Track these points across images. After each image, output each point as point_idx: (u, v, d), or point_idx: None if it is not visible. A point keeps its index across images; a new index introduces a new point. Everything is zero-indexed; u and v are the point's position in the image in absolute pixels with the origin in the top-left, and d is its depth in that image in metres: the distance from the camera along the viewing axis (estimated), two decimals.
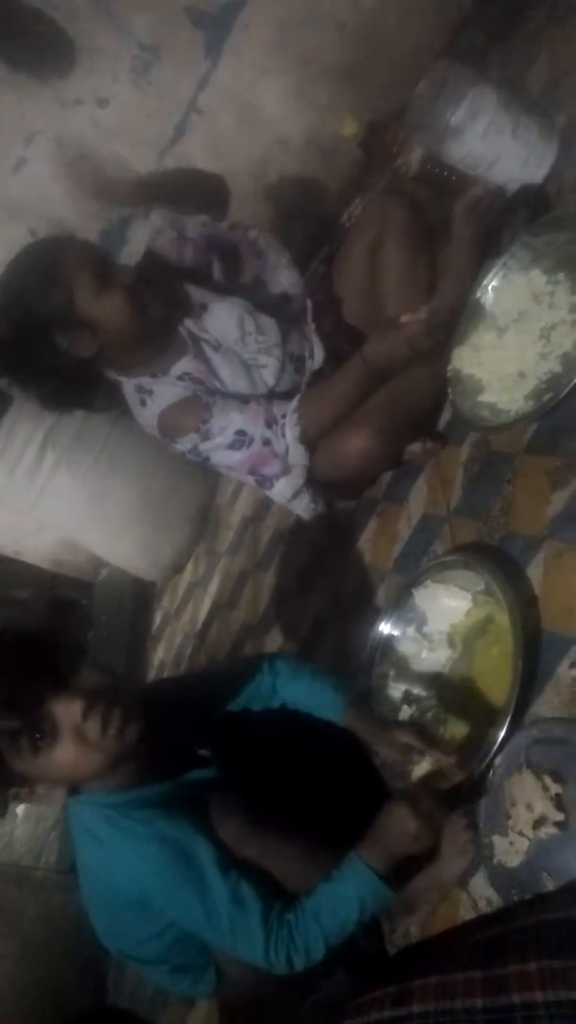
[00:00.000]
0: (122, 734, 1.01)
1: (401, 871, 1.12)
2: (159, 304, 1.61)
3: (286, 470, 1.65)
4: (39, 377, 1.64)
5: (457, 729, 1.27)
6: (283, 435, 1.62)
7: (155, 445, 2.48)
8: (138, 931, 1.14)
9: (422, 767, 1.19)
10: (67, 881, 2.30)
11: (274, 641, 1.98)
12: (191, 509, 2.69)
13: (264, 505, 2.29)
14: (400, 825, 1.07)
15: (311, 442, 1.62)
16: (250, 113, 2.19)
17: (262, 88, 2.16)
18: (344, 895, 1.04)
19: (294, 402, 1.64)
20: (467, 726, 1.25)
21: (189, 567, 2.80)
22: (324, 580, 1.86)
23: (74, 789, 1.08)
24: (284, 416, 1.62)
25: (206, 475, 2.63)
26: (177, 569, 2.84)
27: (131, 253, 1.82)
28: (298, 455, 1.62)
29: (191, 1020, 1.74)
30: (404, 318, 1.49)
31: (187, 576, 2.79)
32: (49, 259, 1.57)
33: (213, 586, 2.49)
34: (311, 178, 2.29)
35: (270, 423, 1.63)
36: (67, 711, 0.99)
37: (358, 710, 1.25)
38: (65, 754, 0.99)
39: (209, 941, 1.07)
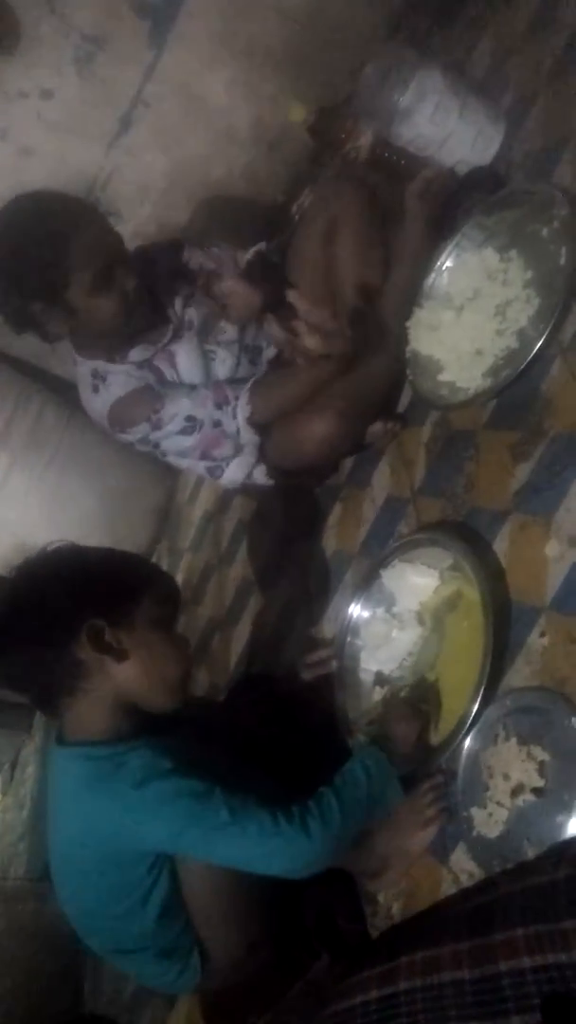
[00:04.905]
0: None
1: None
2: (146, 303, 1.59)
3: (238, 451, 1.66)
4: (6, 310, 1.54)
5: (431, 705, 1.27)
6: (235, 416, 1.62)
7: (111, 444, 2.49)
8: (122, 902, 1.12)
9: None
10: (38, 889, 2.25)
11: (242, 633, 1.96)
12: (150, 507, 2.65)
13: (226, 498, 2.27)
14: (405, 725, 1.22)
15: (260, 425, 1.63)
16: (197, 104, 2.18)
17: (208, 78, 2.15)
18: (350, 769, 1.15)
19: (248, 384, 1.64)
20: (440, 702, 1.26)
21: None
22: (291, 569, 1.85)
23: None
24: (238, 397, 1.62)
25: (164, 472, 2.59)
26: None
27: None
28: (248, 435, 1.64)
29: (171, 1021, 1.71)
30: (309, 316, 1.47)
31: None
32: (59, 232, 1.45)
33: (177, 583, 2.46)
34: (260, 168, 2.28)
35: (220, 404, 1.63)
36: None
37: None
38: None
39: (217, 852, 1.07)
